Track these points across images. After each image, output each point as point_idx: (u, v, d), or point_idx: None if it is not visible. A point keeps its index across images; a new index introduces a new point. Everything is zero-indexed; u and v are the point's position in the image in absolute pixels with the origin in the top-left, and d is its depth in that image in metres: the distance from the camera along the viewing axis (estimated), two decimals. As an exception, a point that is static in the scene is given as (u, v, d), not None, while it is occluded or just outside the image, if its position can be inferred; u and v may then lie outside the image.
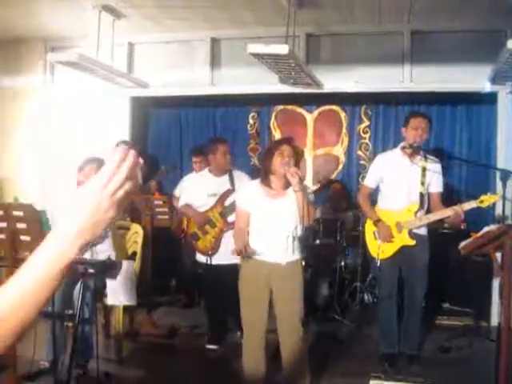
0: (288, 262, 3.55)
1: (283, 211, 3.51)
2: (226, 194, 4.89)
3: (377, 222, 4.39)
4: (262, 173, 3.71)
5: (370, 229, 4.51)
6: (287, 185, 3.53)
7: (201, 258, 4.94)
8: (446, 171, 4.67)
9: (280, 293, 3.59)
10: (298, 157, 3.61)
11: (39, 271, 0.95)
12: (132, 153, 0.99)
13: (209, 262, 4.78)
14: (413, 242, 4.30)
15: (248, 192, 3.71)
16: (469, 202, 4.14)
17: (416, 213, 4.31)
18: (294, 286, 3.57)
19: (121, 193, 0.98)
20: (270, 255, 3.54)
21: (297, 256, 3.61)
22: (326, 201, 6.80)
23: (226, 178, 4.95)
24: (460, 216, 4.10)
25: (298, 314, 3.54)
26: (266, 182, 3.62)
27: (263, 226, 3.56)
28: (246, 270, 3.67)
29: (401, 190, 4.36)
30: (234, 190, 4.83)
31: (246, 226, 3.63)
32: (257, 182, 3.73)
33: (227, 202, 4.84)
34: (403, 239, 4.32)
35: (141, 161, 1.02)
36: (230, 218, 4.71)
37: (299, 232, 3.61)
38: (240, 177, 4.96)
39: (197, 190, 4.96)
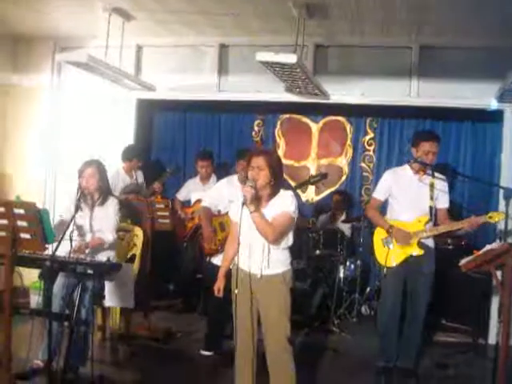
0: (264, 276, 3.40)
1: None
2: None
3: (390, 228, 4.40)
4: None
5: (378, 236, 4.53)
6: (269, 197, 3.44)
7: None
8: (449, 187, 4.69)
9: (260, 306, 3.48)
10: (272, 169, 3.38)
11: None
12: None
13: (209, 260, 4.81)
14: (421, 252, 4.33)
15: (238, 203, 3.54)
16: (480, 216, 4.21)
17: (426, 224, 4.37)
18: (270, 301, 3.42)
19: None
20: (249, 266, 3.44)
21: (276, 270, 3.43)
22: (328, 211, 6.81)
23: None
24: (475, 224, 4.19)
25: (282, 331, 3.41)
26: None
27: (243, 236, 3.40)
28: (233, 273, 3.56)
29: (411, 203, 4.43)
30: None
31: (235, 237, 3.47)
32: None
33: None
34: (412, 248, 4.35)
35: None
36: None
37: (281, 245, 3.44)
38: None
39: (222, 194, 4.87)
